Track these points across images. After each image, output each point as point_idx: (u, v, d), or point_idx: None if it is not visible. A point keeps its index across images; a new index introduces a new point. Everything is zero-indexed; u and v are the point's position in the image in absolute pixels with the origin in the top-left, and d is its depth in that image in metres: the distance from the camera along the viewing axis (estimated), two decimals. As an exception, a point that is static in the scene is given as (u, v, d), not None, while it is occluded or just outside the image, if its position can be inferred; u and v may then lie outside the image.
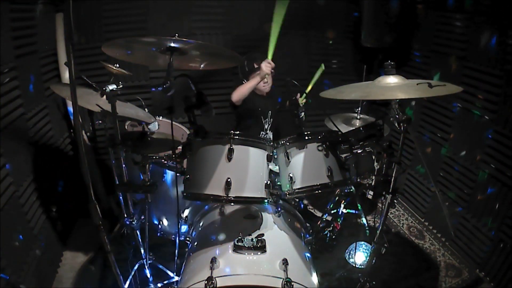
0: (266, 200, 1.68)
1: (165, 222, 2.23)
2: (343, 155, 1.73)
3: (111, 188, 2.81)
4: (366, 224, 2.62)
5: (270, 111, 2.71)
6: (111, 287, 2.15)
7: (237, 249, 1.53)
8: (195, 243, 1.77)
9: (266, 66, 2.36)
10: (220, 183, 1.57)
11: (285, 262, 1.46)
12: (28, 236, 2.03)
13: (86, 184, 1.20)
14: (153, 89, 1.41)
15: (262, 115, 2.69)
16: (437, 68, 2.69)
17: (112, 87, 1.39)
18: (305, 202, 3.13)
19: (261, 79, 2.41)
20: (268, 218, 1.82)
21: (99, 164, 2.94)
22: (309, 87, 2.54)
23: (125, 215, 1.83)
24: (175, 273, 2.07)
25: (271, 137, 2.77)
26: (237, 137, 1.61)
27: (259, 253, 1.52)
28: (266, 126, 2.73)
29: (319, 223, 2.68)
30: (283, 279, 1.39)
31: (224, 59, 1.76)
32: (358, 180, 2.11)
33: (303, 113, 1.75)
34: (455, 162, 2.54)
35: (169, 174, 2.15)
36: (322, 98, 1.57)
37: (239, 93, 2.48)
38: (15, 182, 1.93)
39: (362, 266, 2.26)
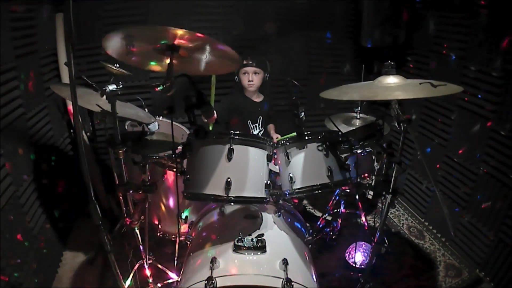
0: (265, 199, 1.69)
1: (165, 222, 2.24)
2: (343, 155, 1.73)
3: (111, 188, 2.82)
4: (366, 224, 2.62)
5: (260, 116, 2.70)
6: (111, 287, 2.15)
7: (237, 249, 1.53)
8: (195, 243, 1.77)
9: None
10: (220, 183, 1.57)
11: (285, 262, 1.46)
12: (28, 236, 2.03)
13: (86, 184, 1.20)
14: (162, 87, 1.40)
15: (250, 119, 2.69)
16: (437, 68, 2.70)
17: (112, 87, 1.38)
18: (305, 202, 3.13)
19: None
20: (268, 218, 1.82)
21: (99, 164, 2.94)
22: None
23: (125, 215, 1.83)
24: (175, 273, 2.07)
25: None
26: (237, 137, 1.61)
27: (259, 253, 1.52)
28: (256, 132, 2.72)
29: (319, 223, 2.68)
30: (283, 279, 1.39)
31: (224, 60, 1.75)
32: (358, 180, 2.11)
33: (303, 113, 1.75)
34: (455, 162, 2.54)
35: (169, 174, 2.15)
36: (321, 98, 1.57)
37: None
38: (15, 182, 1.93)
39: (362, 266, 2.26)
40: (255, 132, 2.72)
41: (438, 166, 2.67)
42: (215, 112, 2.35)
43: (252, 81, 2.56)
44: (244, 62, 2.51)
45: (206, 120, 2.19)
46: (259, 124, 2.71)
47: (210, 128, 2.46)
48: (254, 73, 2.55)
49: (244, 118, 2.67)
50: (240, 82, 2.62)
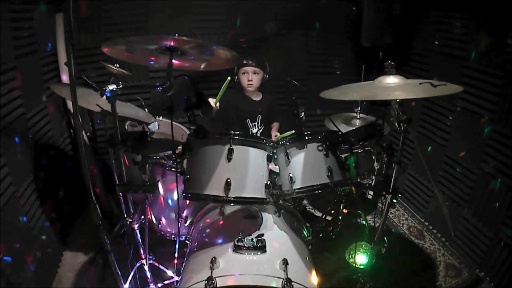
0: (265, 200, 1.69)
1: (164, 222, 2.24)
2: (343, 155, 1.73)
3: (111, 188, 2.82)
4: (366, 224, 2.62)
5: (259, 115, 2.70)
6: (111, 287, 2.15)
7: (237, 249, 1.53)
8: (195, 243, 1.77)
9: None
10: (220, 183, 1.57)
11: (285, 262, 1.46)
12: (28, 236, 2.03)
13: (86, 184, 1.20)
14: (160, 88, 1.41)
15: (249, 117, 2.69)
16: (437, 68, 2.70)
17: (112, 87, 1.38)
18: (305, 202, 3.13)
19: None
20: (268, 218, 1.82)
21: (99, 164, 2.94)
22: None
23: (125, 215, 1.83)
24: (175, 273, 2.07)
25: None
26: (237, 137, 1.61)
27: (259, 253, 1.52)
28: (254, 130, 2.72)
29: (319, 223, 2.68)
30: (283, 279, 1.39)
31: (224, 59, 1.76)
32: (358, 180, 2.11)
33: (303, 113, 1.75)
34: (455, 162, 2.54)
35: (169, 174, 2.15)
36: (321, 98, 1.57)
37: None
38: (15, 182, 1.93)
39: (362, 266, 2.26)
40: (254, 131, 2.72)
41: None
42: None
43: (252, 81, 2.56)
44: (244, 62, 2.51)
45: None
46: (258, 123, 2.71)
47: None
48: (254, 73, 2.55)
49: (243, 117, 2.68)
50: (239, 82, 2.62)
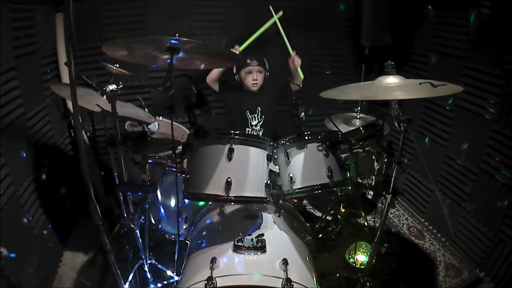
0: (265, 199, 1.69)
1: (164, 222, 2.24)
2: (343, 155, 1.73)
3: (111, 188, 2.81)
4: (366, 224, 2.62)
5: (259, 107, 2.71)
6: (111, 287, 2.15)
7: (237, 249, 1.53)
8: (195, 243, 1.77)
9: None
10: (220, 183, 1.57)
11: (285, 262, 1.46)
12: (28, 236, 2.03)
13: (86, 184, 1.20)
14: (153, 89, 1.41)
15: (249, 110, 2.70)
16: (437, 68, 2.70)
17: (112, 87, 1.38)
18: (305, 202, 3.13)
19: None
20: (268, 218, 1.82)
21: (99, 164, 2.94)
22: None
23: (125, 215, 1.83)
24: (175, 273, 2.07)
25: (261, 134, 2.77)
26: (237, 136, 1.61)
27: (259, 253, 1.52)
28: (254, 122, 2.73)
29: (319, 223, 2.68)
30: (283, 279, 1.39)
31: (224, 59, 1.76)
32: (358, 180, 2.12)
33: (303, 113, 1.75)
34: (455, 162, 2.54)
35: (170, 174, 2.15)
36: (321, 98, 1.57)
37: (210, 76, 2.66)
38: (15, 182, 1.93)
39: (362, 266, 2.26)
40: (254, 123, 2.73)
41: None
42: None
43: (257, 79, 2.58)
44: (248, 61, 2.52)
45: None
46: (257, 115, 2.72)
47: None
48: (258, 72, 2.57)
49: (242, 109, 2.68)
50: (242, 81, 2.62)
